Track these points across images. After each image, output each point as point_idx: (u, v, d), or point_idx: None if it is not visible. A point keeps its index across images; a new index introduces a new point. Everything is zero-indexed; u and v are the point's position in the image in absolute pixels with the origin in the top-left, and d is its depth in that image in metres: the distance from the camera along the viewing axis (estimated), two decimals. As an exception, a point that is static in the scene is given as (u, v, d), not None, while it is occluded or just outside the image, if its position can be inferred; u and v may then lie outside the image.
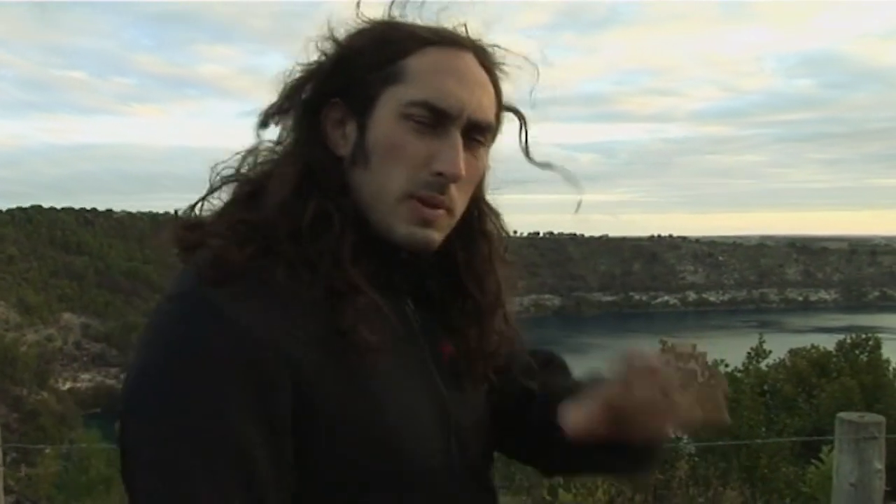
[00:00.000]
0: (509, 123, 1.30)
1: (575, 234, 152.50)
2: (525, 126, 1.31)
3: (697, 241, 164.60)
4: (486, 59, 1.22)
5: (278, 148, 1.22)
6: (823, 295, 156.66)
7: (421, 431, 1.17)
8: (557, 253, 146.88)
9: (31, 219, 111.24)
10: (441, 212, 1.17)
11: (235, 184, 1.22)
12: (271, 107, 1.22)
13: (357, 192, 1.17)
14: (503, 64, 1.25)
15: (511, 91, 1.27)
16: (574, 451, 1.30)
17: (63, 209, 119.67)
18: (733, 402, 13.52)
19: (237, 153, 1.23)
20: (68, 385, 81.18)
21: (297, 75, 1.22)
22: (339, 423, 1.08)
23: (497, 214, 1.35)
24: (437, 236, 1.19)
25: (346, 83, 1.18)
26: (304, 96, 1.21)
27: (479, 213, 1.31)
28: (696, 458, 11.10)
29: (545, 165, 1.33)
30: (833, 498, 4.14)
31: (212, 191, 1.22)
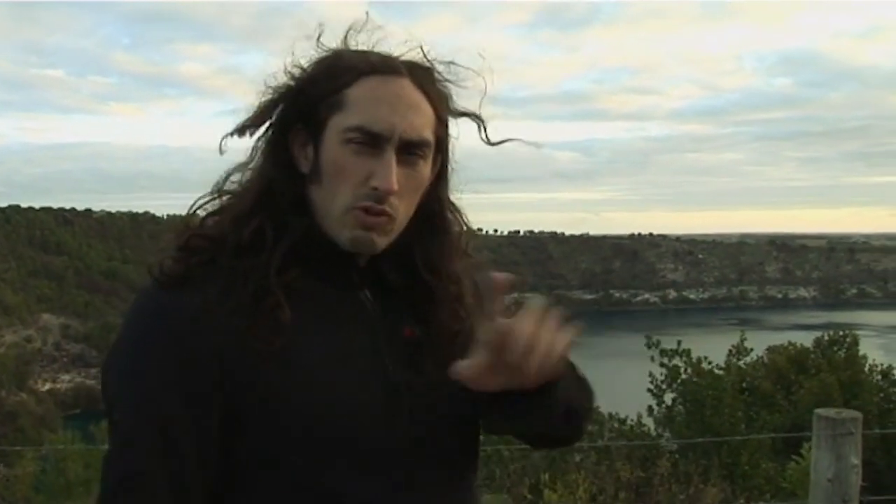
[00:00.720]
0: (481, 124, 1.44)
1: (555, 233, 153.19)
2: (483, 125, 1.47)
3: (678, 239, 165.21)
4: (423, 81, 1.38)
5: (250, 166, 1.41)
6: (802, 292, 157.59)
7: (357, 407, 1.31)
8: (538, 251, 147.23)
9: (9, 219, 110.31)
10: (382, 219, 1.34)
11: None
12: (247, 121, 1.40)
13: (314, 206, 1.37)
14: (444, 81, 1.41)
15: (467, 96, 1.43)
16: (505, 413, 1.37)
17: (42, 209, 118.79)
18: (714, 400, 13.59)
19: (232, 168, 1.42)
20: (48, 386, 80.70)
21: (268, 97, 1.39)
22: (268, 401, 1.26)
23: (459, 211, 1.50)
24: (377, 239, 1.35)
25: (304, 111, 1.36)
26: (272, 119, 1.39)
27: (438, 211, 1.46)
28: (678, 456, 11.16)
29: (505, 141, 1.49)
30: (811, 493, 4.18)
31: (198, 204, 1.42)
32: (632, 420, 14.14)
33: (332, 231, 1.35)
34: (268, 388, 1.25)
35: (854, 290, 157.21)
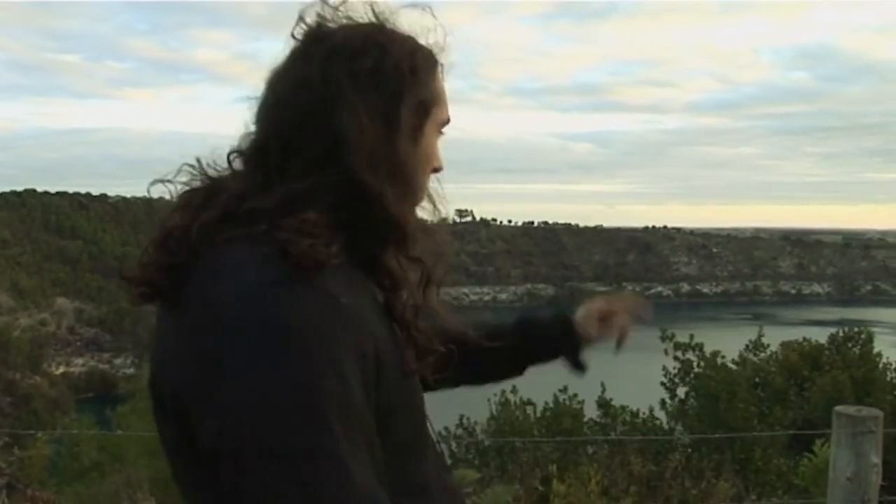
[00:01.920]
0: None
1: (569, 224, 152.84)
2: None
3: (692, 232, 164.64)
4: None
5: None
6: (816, 288, 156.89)
7: (428, 427, 1.41)
8: (552, 242, 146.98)
9: (24, 203, 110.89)
10: None
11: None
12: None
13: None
14: None
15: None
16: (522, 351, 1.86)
17: (57, 193, 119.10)
18: (728, 395, 13.56)
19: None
20: (61, 369, 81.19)
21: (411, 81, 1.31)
22: (394, 401, 1.21)
23: None
24: None
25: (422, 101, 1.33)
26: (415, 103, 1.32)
27: None
28: (690, 450, 11.13)
29: None
30: (829, 492, 4.15)
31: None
32: (644, 413, 14.11)
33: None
34: (394, 391, 1.22)
35: (869, 287, 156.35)
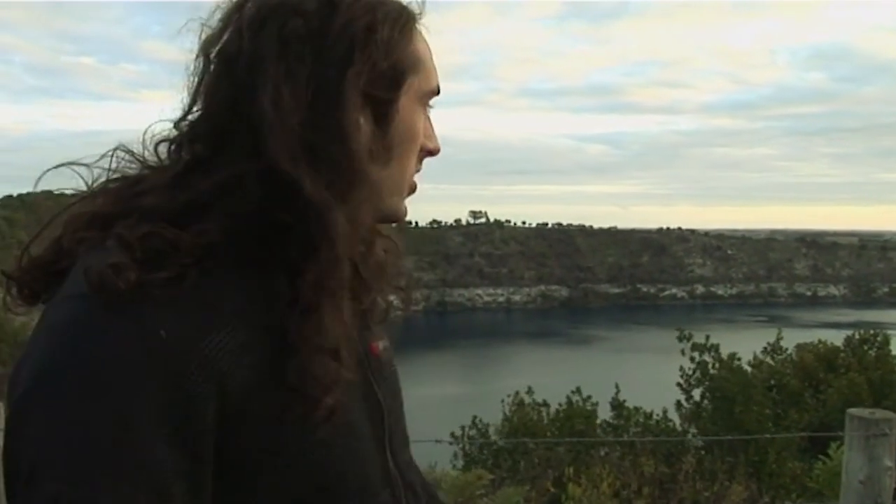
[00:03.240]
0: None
1: (583, 226, 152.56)
2: None
3: (706, 233, 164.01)
4: None
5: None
6: (832, 290, 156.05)
7: (365, 449, 1.10)
8: (565, 244, 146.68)
9: (40, 204, 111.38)
10: None
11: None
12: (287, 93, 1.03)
13: (374, 188, 1.07)
14: None
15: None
16: None
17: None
18: (743, 397, 13.51)
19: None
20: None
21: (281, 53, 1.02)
22: (271, 454, 0.98)
23: None
24: None
25: (374, 73, 1.05)
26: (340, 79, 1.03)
27: None
28: (703, 452, 11.08)
29: None
30: (842, 495, 4.12)
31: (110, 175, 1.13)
32: (657, 415, 14.07)
33: (393, 210, 1.15)
34: (278, 419, 0.97)
35: (885, 289, 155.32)
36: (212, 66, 1.07)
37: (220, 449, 0.94)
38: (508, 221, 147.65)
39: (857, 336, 17.50)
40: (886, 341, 17.03)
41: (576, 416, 13.50)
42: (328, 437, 1.02)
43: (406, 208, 1.17)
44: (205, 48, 1.08)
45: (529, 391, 14.62)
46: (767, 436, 11.35)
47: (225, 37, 1.06)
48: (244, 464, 0.96)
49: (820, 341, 17.93)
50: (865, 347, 16.93)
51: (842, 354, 16.87)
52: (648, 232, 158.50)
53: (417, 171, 1.17)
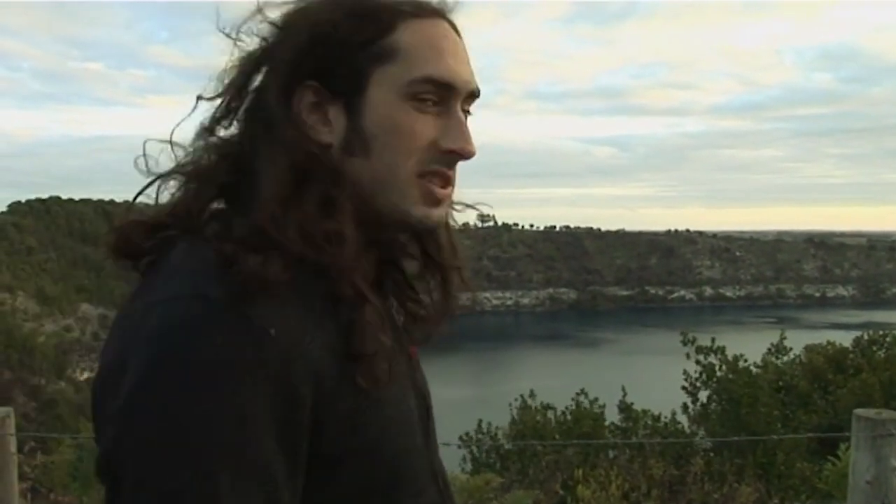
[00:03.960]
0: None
1: (592, 228, 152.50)
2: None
3: (714, 235, 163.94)
4: (455, 27, 1.17)
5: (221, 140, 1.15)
6: (841, 291, 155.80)
7: (416, 439, 1.15)
8: (574, 247, 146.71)
9: (49, 210, 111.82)
10: (450, 189, 1.15)
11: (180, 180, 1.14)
12: (218, 109, 1.14)
13: (356, 182, 1.09)
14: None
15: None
16: None
17: (81, 200, 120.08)
18: (750, 398, 13.48)
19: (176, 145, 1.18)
20: (86, 375, 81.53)
21: (243, 65, 1.14)
22: (348, 442, 1.02)
23: None
24: (445, 215, 1.19)
25: (323, 64, 1.09)
26: (266, 83, 1.11)
27: None
28: (712, 454, 11.07)
29: None
30: (849, 496, 4.11)
31: (148, 185, 1.18)
32: (666, 417, 14.05)
33: (395, 209, 1.12)
34: (349, 429, 1.02)
35: (894, 290, 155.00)
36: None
37: (309, 446, 0.98)
38: (516, 224, 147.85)
39: (865, 337, 17.45)
40: (895, 342, 16.97)
41: (584, 418, 13.50)
42: (394, 434, 1.07)
43: (422, 215, 1.13)
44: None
45: (532, 394, 14.65)
46: (775, 437, 11.33)
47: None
48: (326, 460, 1.00)
49: (829, 342, 17.88)
50: (874, 348, 16.87)
51: (850, 355, 16.81)
52: (656, 234, 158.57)
53: (440, 173, 1.13)
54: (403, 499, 1.10)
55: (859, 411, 4.17)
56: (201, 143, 1.14)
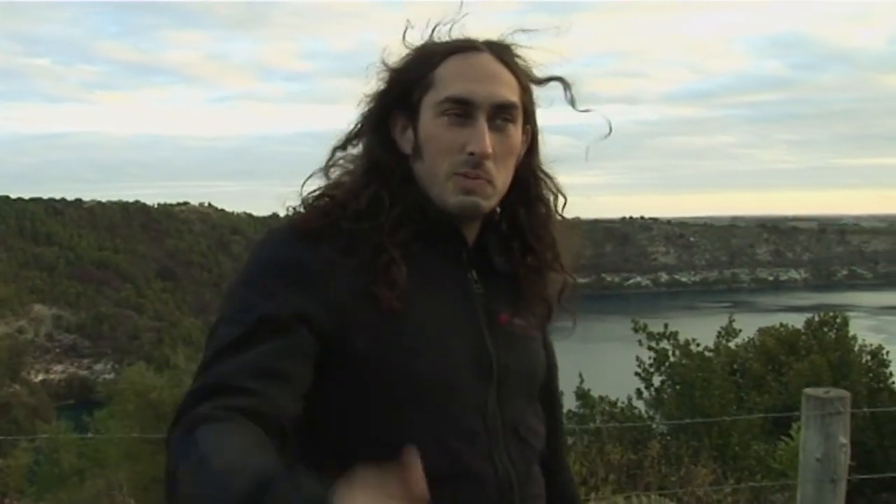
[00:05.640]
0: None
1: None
2: (568, 88, 1.62)
3: (669, 222, 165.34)
4: (502, 54, 1.52)
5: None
6: (793, 274, 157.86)
7: (456, 371, 1.45)
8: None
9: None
10: (481, 181, 1.47)
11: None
12: (350, 132, 1.58)
13: (419, 180, 1.51)
14: (519, 56, 1.55)
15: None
16: None
17: (31, 199, 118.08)
18: (704, 381, 13.63)
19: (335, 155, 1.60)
20: (41, 377, 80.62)
21: (367, 103, 1.57)
22: (379, 342, 1.40)
23: (551, 178, 1.65)
24: (481, 202, 1.49)
25: (400, 98, 1.52)
26: (371, 113, 1.56)
27: (534, 179, 1.62)
28: (668, 438, 11.19)
29: (589, 110, 1.68)
30: (800, 473, 4.20)
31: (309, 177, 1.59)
32: (622, 403, 14.17)
33: (438, 199, 1.49)
34: (380, 332, 1.40)
35: (845, 272, 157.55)
36: None
37: (335, 349, 1.39)
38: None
39: (817, 319, 17.72)
40: (845, 323, 17.25)
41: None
42: (418, 349, 1.42)
43: (456, 202, 1.48)
44: None
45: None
46: (728, 418, 11.45)
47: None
48: (353, 362, 1.40)
49: (781, 325, 18.14)
50: (825, 329, 17.14)
51: (803, 337, 17.07)
52: (612, 221, 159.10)
53: (466, 171, 1.47)
54: (426, 410, 1.42)
55: (808, 391, 4.25)
56: (338, 154, 1.60)
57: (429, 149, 1.49)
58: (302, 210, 1.54)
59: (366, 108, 1.58)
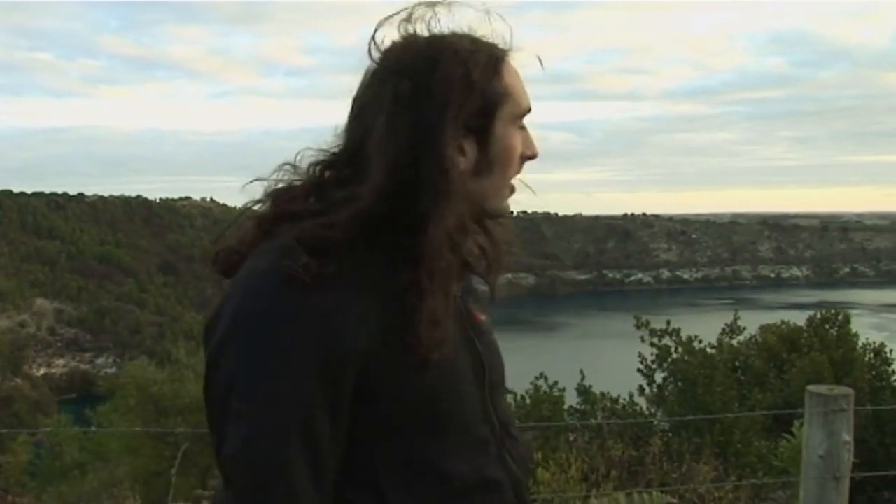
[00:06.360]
0: None
1: (549, 213, 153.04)
2: None
3: (670, 218, 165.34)
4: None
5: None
6: (795, 271, 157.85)
7: (466, 388, 1.43)
8: (531, 232, 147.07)
9: (0, 204, 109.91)
10: None
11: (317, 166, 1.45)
12: (386, 147, 1.37)
13: (477, 194, 1.42)
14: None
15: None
16: None
17: (33, 193, 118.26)
18: (706, 378, 13.62)
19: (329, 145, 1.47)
20: (42, 371, 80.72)
21: (412, 110, 1.37)
22: (398, 376, 1.32)
23: None
24: None
25: (471, 109, 1.39)
26: (429, 125, 1.37)
27: None
28: (670, 434, 11.18)
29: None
30: (802, 470, 4.18)
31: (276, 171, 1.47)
32: (624, 399, 14.16)
33: (494, 208, 1.50)
34: (402, 373, 1.32)
35: (847, 269, 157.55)
36: (352, 109, 1.45)
37: (356, 385, 1.30)
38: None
39: (818, 316, 17.69)
40: (847, 320, 17.22)
41: (543, 402, 13.56)
42: (437, 379, 1.36)
43: (508, 205, 1.52)
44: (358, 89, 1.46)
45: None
46: (730, 415, 11.45)
47: (364, 87, 1.44)
48: (374, 397, 1.32)
49: (783, 322, 18.11)
50: (827, 327, 17.10)
51: (804, 334, 17.03)
52: (613, 218, 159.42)
53: (518, 173, 1.49)
54: (454, 435, 1.40)
55: (811, 388, 4.23)
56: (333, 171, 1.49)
57: (505, 161, 1.44)
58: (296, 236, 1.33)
59: (406, 116, 1.36)
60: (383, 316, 1.31)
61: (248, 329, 1.28)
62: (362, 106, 1.42)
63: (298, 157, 1.47)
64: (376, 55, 1.45)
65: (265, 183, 1.47)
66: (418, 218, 1.34)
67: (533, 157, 1.49)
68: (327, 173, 1.43)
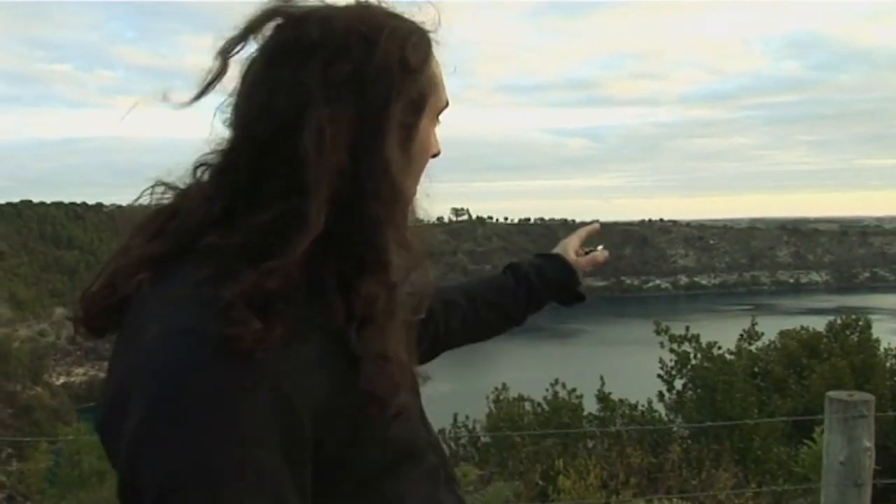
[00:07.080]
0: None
1: (566, 220, 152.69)
2: None
3: (688, 224, 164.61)
4: None
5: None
6: (814, 276, 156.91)
7: (414, 426, 1.27)
8: (548, 239, 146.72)
9: (20, 214, 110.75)
10: None
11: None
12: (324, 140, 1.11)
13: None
14: None
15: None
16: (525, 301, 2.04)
17: (53, 203, 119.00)
18: (726, 385, 13.57)
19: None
20: (62, 380, 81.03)
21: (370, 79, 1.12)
22: (355, 444, 1.10)
23: None
24: None
25: (413, 92, 1.17)
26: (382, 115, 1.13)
27: None
28: (689, 441, 11.14)
29: None
30: (823, 477, 4.16)
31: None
32: (643, 406, 14.12)
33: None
34: (362, 423, 1.10)
35: (867, 274, 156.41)
36: (252, 99, 1.13)
37: (314, 444, 1.04)
38: (490, 218, 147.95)
39: (839, 321, 17.61)
40: (868, 326, 17.14)
41: (561, 409, 13.54)
42: (399, 425, 1.15)
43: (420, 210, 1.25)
44: (248, 76, 1.16)
45: (504, 387, 14.68)
46: (750, 422, 11.40)
47: (269, 70, 1.12)
48: (333, 452, 1.07)
49: (802, 327, 18.04)
50: (847, 332, 17.03)
51: (824, 340, 16.98)
52: (631, 224, 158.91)
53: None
54: (409, 469, 1.22)
55: (832, 394, 4.21)
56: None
57: (422, 163, 1.22)
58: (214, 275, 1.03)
59: (345, 107, 1.09)
60: (332, 363, 1.07)
61: (183, 414, 0.97)
62: (269, 91, 1.10)
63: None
64: (277, 23, 1.16)
65: (141, 200, 1.23)
66: (362, 236, 1.09)
67: (437, 154, 1.26)
68: (226, 185, 1.12)
